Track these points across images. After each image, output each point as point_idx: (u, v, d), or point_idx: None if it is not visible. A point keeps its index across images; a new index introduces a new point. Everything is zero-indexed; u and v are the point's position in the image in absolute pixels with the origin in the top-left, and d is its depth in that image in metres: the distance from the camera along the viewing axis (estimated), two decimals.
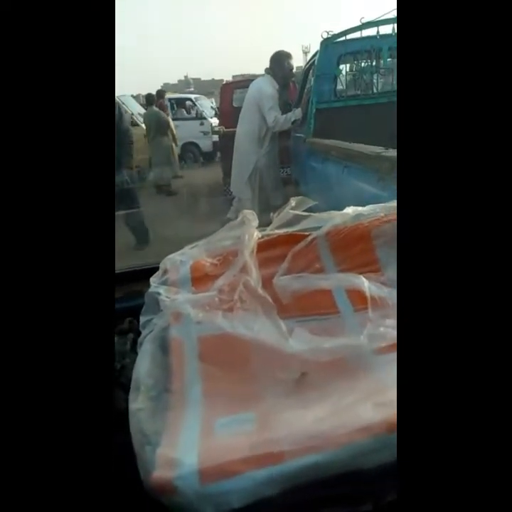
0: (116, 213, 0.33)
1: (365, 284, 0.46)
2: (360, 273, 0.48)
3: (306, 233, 0.54)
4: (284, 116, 2.46)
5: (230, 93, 4.82)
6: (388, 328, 0.41)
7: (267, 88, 2.45)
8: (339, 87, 2.40)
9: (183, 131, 5.58)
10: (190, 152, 7.02)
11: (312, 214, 0.55)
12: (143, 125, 5.59)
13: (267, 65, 2.53)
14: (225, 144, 3.52)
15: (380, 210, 0.53)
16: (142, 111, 6.28)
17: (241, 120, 2.62)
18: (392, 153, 1.14)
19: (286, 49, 2.59)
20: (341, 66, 2.40)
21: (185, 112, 7.29)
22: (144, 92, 5.92)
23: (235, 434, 0.33)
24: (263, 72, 2.57)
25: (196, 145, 7.25)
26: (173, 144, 5.29)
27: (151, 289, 0.49)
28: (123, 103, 6.03)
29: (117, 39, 0.33)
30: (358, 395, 0.35)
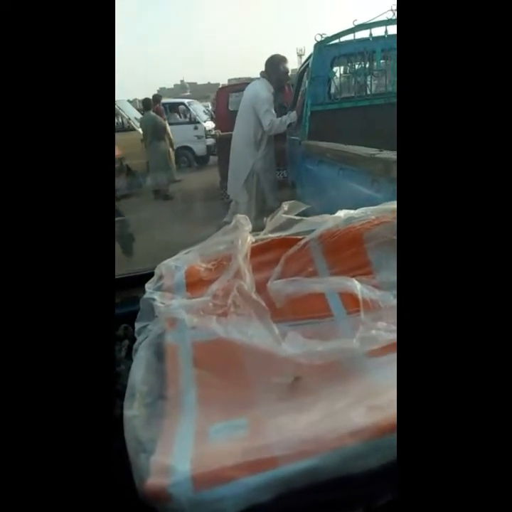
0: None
1: (357, 287, 0.46)
2: (353, 276, 0.49)
3: (299, 237, 0.54)
4: (280, 119, 2.47)
5: (226, 97, 4.84)
6: (380, 331, 0.41)
7: (262, 91, 2.47)
8: (333, 89, 2.41)
9: (176, 135, 5.61)
10: (185, 156, 7.05)
11: (304, 218, 0.55)
12: (139, 130, 5.60)
13: (263, 68, 2.54)
14: (222, 147, 3.53)
15: (372, 213, 0.54)
16: (138, 115, 6.29)
17: (237, 124, 2.63)
18: (386, 155, 1.15)
19: (281, 52, 2.62)
20: (335, 68, 2.41)
21: (178, 117, 7.32)
22: (140, 97, 5.94)
23: (229, 440, 0.33)
24: (258, 75, 2.59)
25: (190, 149, 7.28)
26: (171, 149, 5.31)
27: (146, 295, 0.49)
28: (120, 108, 6.05)
29: None
30: (351, 399, 0.35)
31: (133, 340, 0.46)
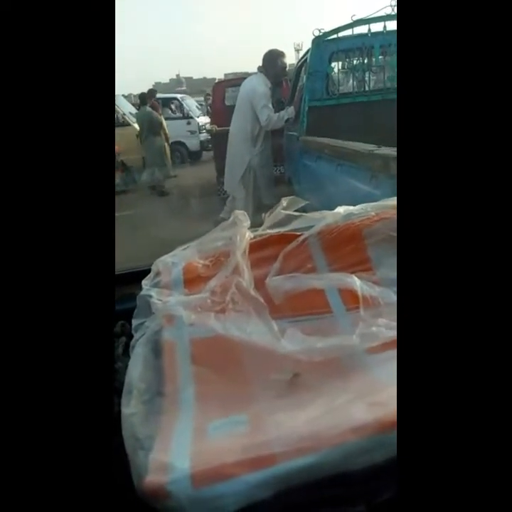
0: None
1: (357, 283, 0.46)
2: (352, 272, 0.48)
3: (298, 233, 0.54)
4: (277, 114, 2.46)
5: (222, 92, 4.81)
6: (380, 327, 0.41)
7: (259, 86, 2.45)
8: (331, 85, 2.40)
9: (170, 130, 5.59)
10: (178, 151, 7.01)
11: (303, 214, 0.55)
12: (135, 125, 5.55)
13: (259, 63, 2.52)
14: (218, 142, 3.51)
15: (371, 209, 0.53)
16: (133, 110, 6.24)
17: (234, 119, 2.61)
18: (385, 150, 1.15)
19: (279, 47, 2.59)
20: (333, 64, 2.40)
21: (170, 112, 7.29)
22: (135, 92, 5.89)
23: (228, 437, 0.33)
24: (255, 70, 2.57)
25: (183, 144, 7.26)
26: (166, 144, 5.28)
27: (143, 292, 0.48)
28: (115, 104, 5.99)
29: None
30: (351, 395, 0.35)
31: (130, 337, 0.46)
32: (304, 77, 2.45)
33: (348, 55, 2.32)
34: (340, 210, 0.55)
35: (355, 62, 2.31)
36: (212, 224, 0.61)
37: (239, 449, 0.31)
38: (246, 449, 0.31)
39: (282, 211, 0.55)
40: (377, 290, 0.45)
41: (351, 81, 2.39)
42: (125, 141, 5.09)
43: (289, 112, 2.48)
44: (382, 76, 2.30)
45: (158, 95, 6.83)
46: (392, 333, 0.40)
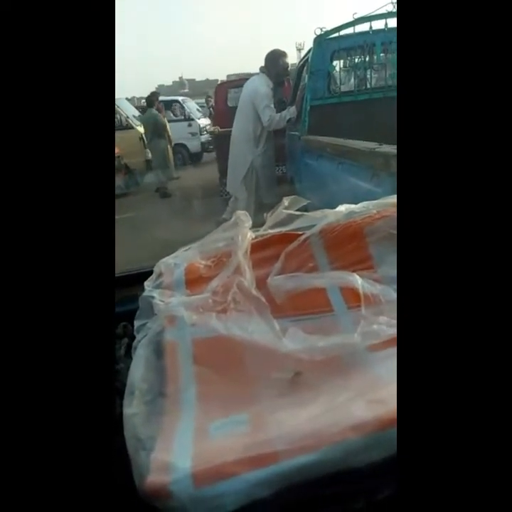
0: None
1: (358, 281, 0.46)
2: (354, 270, 0.48)
3: (300, 232, 0.54)
4: (279, 114, 2.46)
5: (225, 93, 4.81)
6: (381, 325, 0.41)
7: (261, 87, 2.45)
8: (333, 83, 2.39)
9: (172, 132, 5.63)
10: (180, 153, 7.07)
11: (305, 213, 0.55)
12: (138, 128, 5.57)
13: (262, 63, 2.52)
14: (221, 143, 3.51)
15: (373, 207, 0.53)
16: (136, 113, 6.27)
17: (236, 119, 2.62)
18: (386, 149, 1.14)
19: (280, 47, 2.59)
20: (335, 62, 2.39)
21: (172, 114, 7.35)
22: (138, 95, 5.92)
23: (229, 436, 0.33)
24: (258, 70, 2.57)
25: (185, 146, 7.32)
26: (169, 146, 5.30)
27: (145, 293, 0.49)
28: (118, 106, 6.02)
29: None
30: (352, 393, 0.35)
31: (132, 338, 0.46)
32: (306, 76, 2.45)
33: (350, 53, 2.31)
34: (342, 208, 0.54)
35: (356, 60, 2.30)
36: (214, 225, 0.61)
37: (240, 448, 0.31)
38: (247, 447, 0.31)
39: (284, 211, 0.55)
40: (379, 288, 0.45)
41: (353, 79, 2.38)
42: (128, 144, 5.13)
43: (291, 111, 2.48)
44: (383, 73, 2.29)
45: (160, 98, 6.88)
46: (393, 331, 0.39)
